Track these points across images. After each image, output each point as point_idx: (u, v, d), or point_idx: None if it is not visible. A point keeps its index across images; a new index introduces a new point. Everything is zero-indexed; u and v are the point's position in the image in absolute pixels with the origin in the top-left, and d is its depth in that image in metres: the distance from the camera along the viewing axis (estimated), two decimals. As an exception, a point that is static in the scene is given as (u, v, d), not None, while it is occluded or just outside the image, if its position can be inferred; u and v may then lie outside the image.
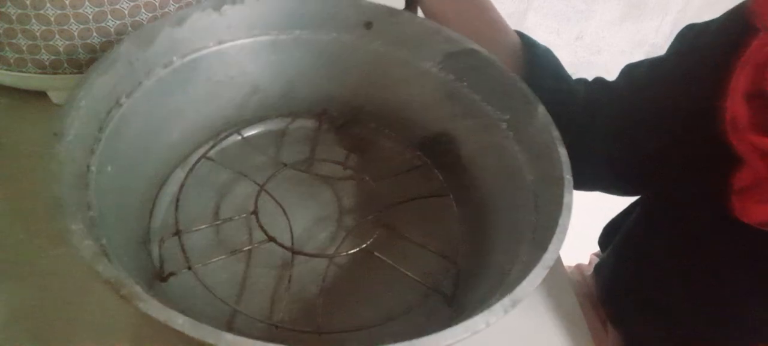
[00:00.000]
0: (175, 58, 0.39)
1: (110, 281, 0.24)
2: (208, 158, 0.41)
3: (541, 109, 0.40)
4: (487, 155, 0.44)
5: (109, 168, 0.33)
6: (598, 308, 0.60)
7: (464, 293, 0.38)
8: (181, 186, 0.38)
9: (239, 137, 0.44)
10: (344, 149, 0.46)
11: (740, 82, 0.36)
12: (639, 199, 0.56)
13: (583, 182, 0.48)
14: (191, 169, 0.40)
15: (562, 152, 0.38)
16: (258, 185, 0.39)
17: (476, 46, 0.43)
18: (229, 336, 0.24)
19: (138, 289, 0.24)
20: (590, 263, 0.67)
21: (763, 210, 0.36)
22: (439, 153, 0.46)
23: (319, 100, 0.47)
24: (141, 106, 0.36)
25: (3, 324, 0.32)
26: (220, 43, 0.41)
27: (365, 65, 0.46)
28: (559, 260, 0.48)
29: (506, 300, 0.28)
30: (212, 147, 0.42)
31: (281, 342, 0.33)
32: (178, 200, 0.37)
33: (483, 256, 0.40)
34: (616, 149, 0.47)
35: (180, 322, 0.24)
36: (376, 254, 0.38)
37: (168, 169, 0.40)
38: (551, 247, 0.32)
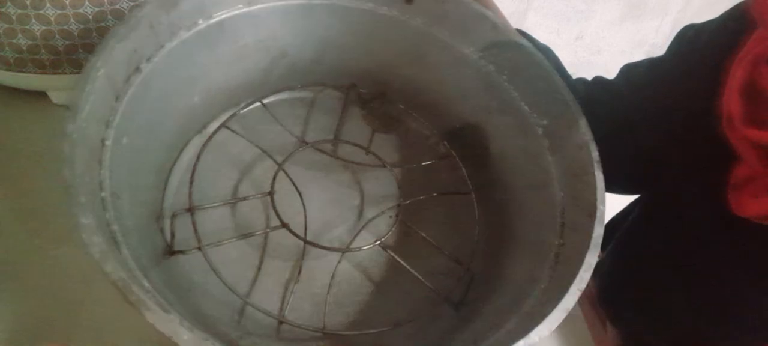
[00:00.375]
0: (200, 20, 0.36)
1: (117, 284, 0.24)
2: (228, 127, 0.39)
3: (583, 123, 0.38)
4: (517, 158, 0.41)
5: (125, 140, 0.31)
6: (597, 307, 0.60)
7: (474, 300, 0.38)
8: (198, 156, 0.37)
9: (261, 106, 0.42)
10: (369, 127, 0.44)
11: (736, 77, 0.35)
12: (638, 198, 0.56)
13: None
14: (209, 138, 0.38)
15: (599, 177, 0.36)
16: (277, 163, 0.38)
17: (524, 42, 0.40)
18: (233, 358, 0.23)
19: (144, 297, 0.24)
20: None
21: (757, 203, 0.35)
22: (467, 145, 0.44)
23: (348, 73, 0.45)
24: (162, 70, 0.34)
25: (3, 324, 0.32)
26: (250, 4, 0.39)
27: (401, 41, 0.43)
28: None
29: (521, 344, 0.28)
30: (233, 116, 0.40)
31: (285, 341, 0.33)
32: (193, 172, 0.36)
33: (498, 266, 0.39)
34: (616, 148, 0.46)
35: (185, 338, 0.23)
36: (389, 252, 0.37)
37: (186, 138, 0.39)
38: (572, 288, 0.30)
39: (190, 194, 0.35)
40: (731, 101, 0.35)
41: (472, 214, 0.42)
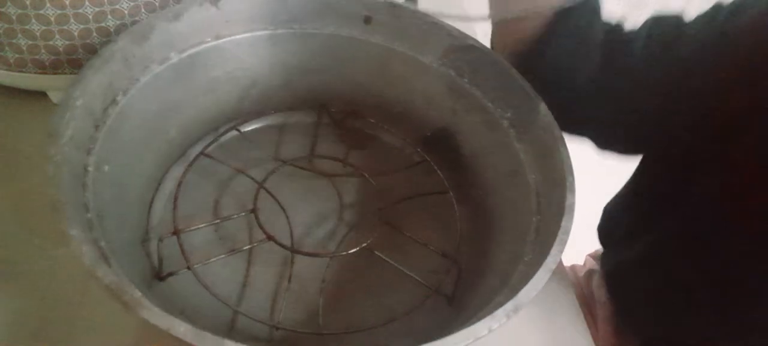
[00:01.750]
0: (172, 54, 0.38)
1: (111, 287, 0.24)
2: (207, 155, 0.40)
3: (543, 108, 0.40)
4: (488, 153, 0.43)
5: (106, 167, 0.32)
6: (591, 307, 0.60)
7: (465, 292, 0.38)
8: (179, 183, 0.38)
9: (238, 133, 0.43)
10: (344, 145, 0.46)
11: None
12: (659, 215, 0.52)
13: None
14: (189, 166, 0.39)
15: (564, 153, 0.37)
16: (257, 182, 0.39)
17: (476, 43, 0.43)
18: (229, 343, 0.24)
19: (139, 295, 0.24)
20: (585, 263, 0.67)
21: None
22: (440, 149, 0.46)
23: (318, 95, 0.47)
24: (138, 103, 0.36)
25: (3, 324, 0.32)
26: (217, 38, 0.41)
27: (365, 59, 0.46)
28: (559, 260, 0.48)
29: (509, 305, 0.28)
30: (210, 143, 0.41)
31: (281, 344, 0.34)
32: (176, 198, 0.37)
33: (485, 255, 0.40)
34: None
35: (182, 330, 0.24)
36: (376, 252, 0.38)
37: (166, 166, 0.40)
38: (553, 250, 0.31)
39: (174, 218, 0.36)
40: None
41: (453, 212, 0.43)
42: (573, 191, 0.35)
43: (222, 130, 0.43)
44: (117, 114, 0.34)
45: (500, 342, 0.41)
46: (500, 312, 0.28)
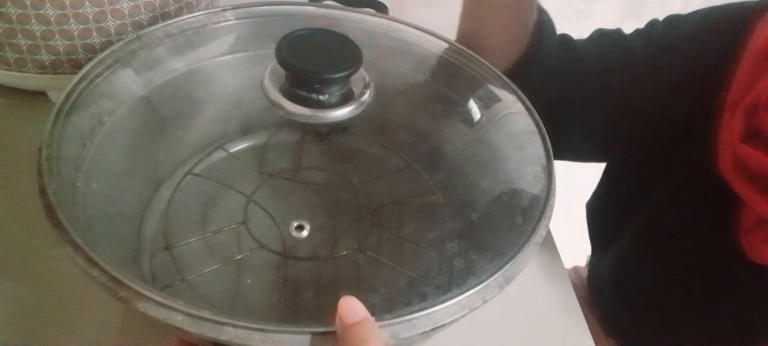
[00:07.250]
0: (155, 78, 0.39)
1: (106, 284, 0.24)
2: (194, 174, 0.41)
3: (511, 97, 0.41)
4: (467, 150, 0.44)
5: (95, 185, 0.32)
6: (594, 309, 0.60)
7: (459, 282, 0.39)
8: (169, 202, 0.38)
9: (224, 152, 0.44)
10: (330, 157, 0.47)
11: (735, 126, 0.36)
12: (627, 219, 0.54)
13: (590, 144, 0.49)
14: (177, 186, 0.40)
15: (543, 137, 0.39)
16: (245, 196, 0.39)
17: (442, 54, 0.45)
18: (229, 329, 0.24)
19: (136, 288, 0.24)
20: (587, 265, 0.67)
21: None
22: (423, 154, 0.47)
23: (301, 112, 0.48)
24: (123, 124, 0.36)
25: (3, 324, 0.32)
26: (199, 61, 0.42)
27: (345, 75, 0.47)
28: (559, 261, 0.49)
29: (500, 276, 0.29)
30: (197, 163, 0.42)
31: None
32: (166, 215, 0.37)
33: (475, 245, 0.40)
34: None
35: (179, 319, 0.24)
36: (369, 253, 0.38)
37: (154, 186, 0.40)
38: (542, 222, 0.32)
39: (165, 234, 0.36)
40: (738, 150, 0.35)
41: (441, 211, 0.44)
42: (553, 172, 0.36)
43: (208, 150, 0.43)
44: (104, 134, 0.35)
45: (500, 342, 0.41)
46: (492, 283, 0.28)
